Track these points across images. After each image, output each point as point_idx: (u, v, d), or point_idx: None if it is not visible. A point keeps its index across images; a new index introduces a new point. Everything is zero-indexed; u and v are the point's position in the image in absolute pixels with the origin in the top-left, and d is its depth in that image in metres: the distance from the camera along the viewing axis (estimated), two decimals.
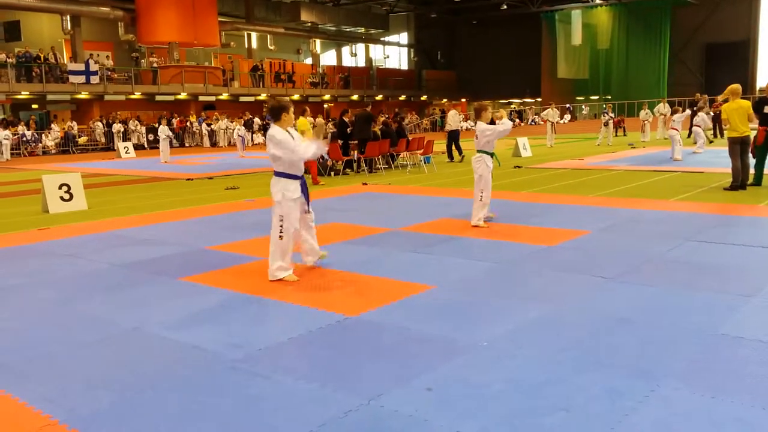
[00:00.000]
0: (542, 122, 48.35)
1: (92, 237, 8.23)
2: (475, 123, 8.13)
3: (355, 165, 16.05)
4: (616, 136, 27.22)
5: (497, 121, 8.20)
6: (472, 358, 3.78)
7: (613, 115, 25.97)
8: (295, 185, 5.61)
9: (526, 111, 52.47)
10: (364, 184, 13.22)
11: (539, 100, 53.60)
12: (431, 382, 3.46)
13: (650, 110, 24.77)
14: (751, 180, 10.66)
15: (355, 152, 15.83)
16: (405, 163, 16.95)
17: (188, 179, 15.87)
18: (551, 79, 51.87)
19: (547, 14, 50.30)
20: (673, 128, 16.66)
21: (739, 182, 10.51)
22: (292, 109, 5.71)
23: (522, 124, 48.39)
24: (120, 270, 6.34)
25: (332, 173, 15.34)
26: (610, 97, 47.70)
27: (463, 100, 55.25)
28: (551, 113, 24.34)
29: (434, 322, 4.42)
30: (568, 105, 47.76)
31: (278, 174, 5.64)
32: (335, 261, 6.25)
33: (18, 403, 3.40)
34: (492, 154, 8.04)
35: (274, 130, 5.57)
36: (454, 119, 19.40)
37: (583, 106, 51.06)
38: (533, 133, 30.89)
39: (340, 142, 15.81)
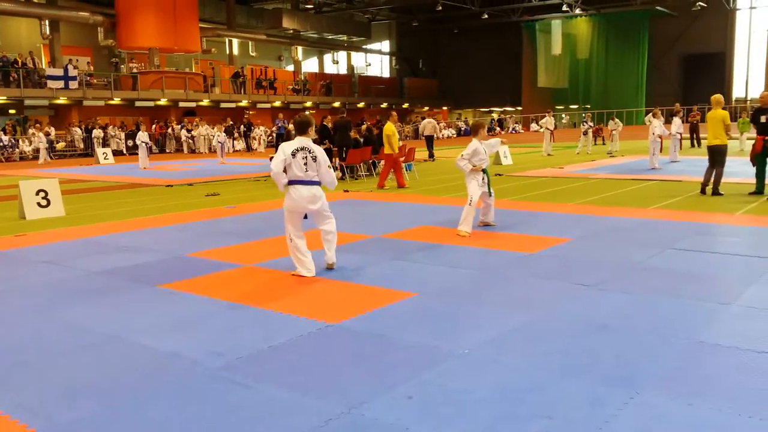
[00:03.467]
0: (523, 130, 48.82)
1: (70, 244, 8.13)
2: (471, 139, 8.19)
3: (337, 172, 16.04)
4: (595, 144, 27.49)
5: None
6: (453, 366, 3.79)
7: (592, 124, 26.23)
8: None
9: (506, 119, 52.83)
10: (346, 191, 13.21)
11: (519, 108, 54.06)
12: (413, 390, 3.45)
13: (618, 120, 25.03)
14: (754, 189, 10.86)
15: (336, 159, 15.83)
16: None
17: (168, 186, 15.74)
18: (531, 88, 52.37)
19: (527, 24, 50.81)
20: (657, 134, 16.79)
21: (702, 189, 11.05)
22: (314, 125, 6.20)
23: (502, 132, 48.70)
24: (98, 277, 6.26)
25: None
26: (589, 107, 48.27)
27: (445, 108, 55.55)
28: (549, 121, 24.45)
29: (416, 330, 4.42)
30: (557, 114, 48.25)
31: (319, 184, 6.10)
32: (316, 268, 6.21)
33: None
34: (484, 171, 8.05)
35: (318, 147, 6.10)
36: (427, 127, 23.63)
37: (563, 115, 51.56)
38: (514, 142, 31.07)
39: (323, 147, 15.79)
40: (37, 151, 28.94)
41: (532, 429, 3.00)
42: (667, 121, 20.77)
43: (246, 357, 4.01)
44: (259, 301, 5.23)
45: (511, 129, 50.20)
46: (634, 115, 45.78)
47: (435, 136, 24.14)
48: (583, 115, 30.69)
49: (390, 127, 13.97)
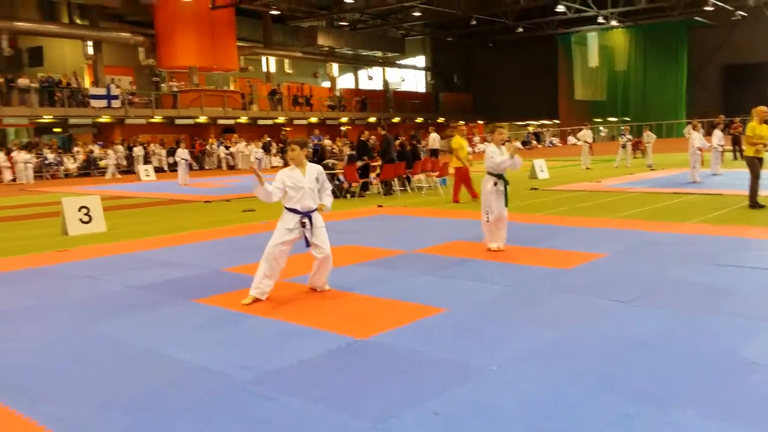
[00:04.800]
0: (560, 144, 48.32)
1: (110, 259, 8.31)
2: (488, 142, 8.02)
3: (375, 187, 16.08)
4: (635, 158, 27.06)
5: (506, 147, 7.98)
6: (483, 382, 3.75)
7: (631, 137, 25.82)
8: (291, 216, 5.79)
9: (543, 133, 52.42)
10: (380, 206, 13.25)
11: (557, 121, 53.60)
12: (441, 405, 3.43)
13: (651, 132, 24.61)
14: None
15: (374, 174, 15.87)
16: (421, 185, 16.96)
17: (206, 202, 16.00)
18: (568, 101, 51.88)
19: (563, 36, 50.44)
20: (696, 147, 16.40)
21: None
22: (293, 147, 5.89)
23: (539, 146, 48.33)
24: (136, 292, 6.39)
25: (348, 195, 15.39)
26: (628, 119, 47.57)
27: (480, 122, 55.41)
28: (586, 134, 24.18)
29: (445, 345, 4.40)
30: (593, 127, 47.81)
31: None
32: (347, 283, 6.25)
33: (29, 423, 3.43)
34: (500, 176, 7.60)
35: None
36: (434, 141, 25.37)
37: (601, 128, 50.94)
38: (552, 155, 30.83)
39: (358, 164, 15.86)
40: (81, 168, 29.77)
41: None
42: (709, 134, 20.32)
43: (274, 371, 4.04)
44: (289, 315, 5.27)
45: (547, 142, 49.78)
46: (674, 128, 44.99)
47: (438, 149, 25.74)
48: (622, 127, 30.26)
49: (457, 140, 13.80)
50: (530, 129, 54.76)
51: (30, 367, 4.35)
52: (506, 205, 7.65)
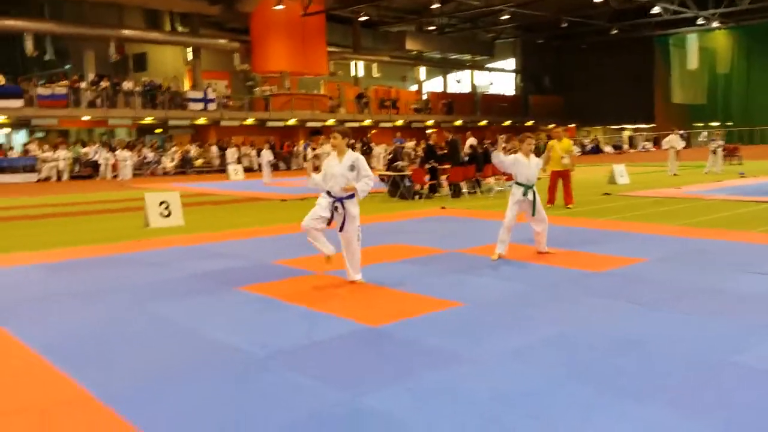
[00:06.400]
0: (654, 148, 46.61)
1: (178, 249, 9.06)
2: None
3: (444, 189, 16.36)
4: (739, 164, 25.88)
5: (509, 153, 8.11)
6: (464, 370, 4.03)
7: (722, 142, 24.72)
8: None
9: (635, 137, 50.71)
10: (443, 207, 13.52)
11: (654, 125, 51.72)
12: (416, 386, 3.75)
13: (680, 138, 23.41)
14: None
15: (444, 176, 16.15)
16: (491, 188, 17.07)
17: (282, 200, 16.79)
18: (665, 105, 49.98)
19: (660, 38, 48.66)
20: None
21: None
22: (335, 135, 6.44)
23: (631, 150, 46.83)
24: (192, 278, 7.02)
25: (416, 196, 15.74)
26: (731, 124, 45.29)
27: (572, 125, 54.23)
28: (674, 139, 23.48)
29: (445, 336, 4.68)
30: (682, 131, 45.82)
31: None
32: (379, 277, 6.62)
33: (61, 375, 4.05)
34: (529, 187, 7.69)
35: None
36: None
37: (704, 132, 48.67)
38: (643, 160, 29.86)
39: (427, 166, 16.19)
40: (177, 167, 31.64)
41: (519, 429, 3.21)
42: None
43: (286, 349, 4.48)
44: (316, 304, 5.70)
45: (640, 147, 48.16)
46: None
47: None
48: (714, 133, 28.92)
49: (549, 143, 13.92)
50: (625, 133, 53.13)
51: (81, 336, 4.99)
52: (533, 214, 7.70)
